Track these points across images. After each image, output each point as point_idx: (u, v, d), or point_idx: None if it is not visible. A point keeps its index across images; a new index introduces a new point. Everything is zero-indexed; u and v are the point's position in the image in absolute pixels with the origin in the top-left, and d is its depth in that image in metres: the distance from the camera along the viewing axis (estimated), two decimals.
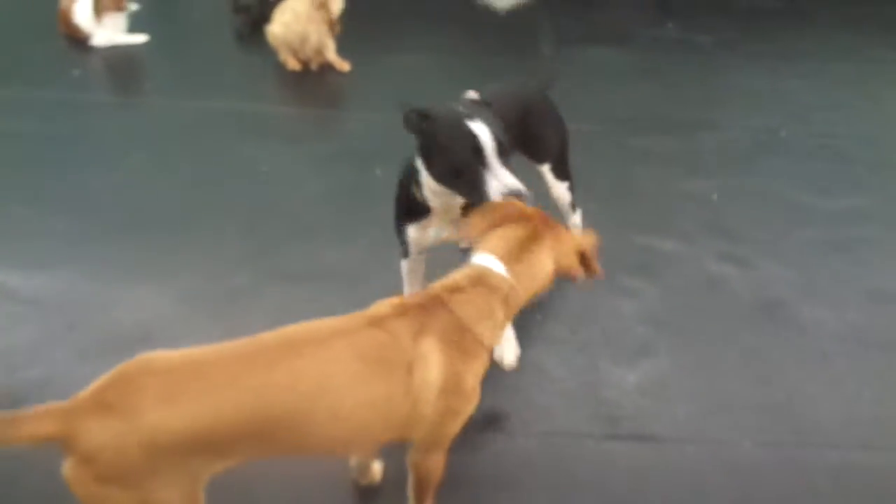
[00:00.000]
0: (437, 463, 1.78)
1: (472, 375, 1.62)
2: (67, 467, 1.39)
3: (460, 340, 1.58)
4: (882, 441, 2.36)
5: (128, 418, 1.36)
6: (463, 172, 1.83)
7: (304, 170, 3.58)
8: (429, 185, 1.96)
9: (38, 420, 1.37)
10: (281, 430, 1.47)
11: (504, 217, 1.72)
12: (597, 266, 1.79)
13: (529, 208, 1.75)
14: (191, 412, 1.39)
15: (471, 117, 1.83)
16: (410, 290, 2.45)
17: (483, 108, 1.93)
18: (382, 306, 1.61)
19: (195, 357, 1.47)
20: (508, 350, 2.51)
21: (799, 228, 3.27)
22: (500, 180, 1.80)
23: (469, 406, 1.66)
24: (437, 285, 1.66)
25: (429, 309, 1.58)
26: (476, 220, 1.75)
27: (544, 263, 1.69)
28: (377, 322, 1.55)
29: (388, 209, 3.35)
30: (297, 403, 1.46)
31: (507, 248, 1.66)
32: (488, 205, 1.78)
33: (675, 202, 3.42)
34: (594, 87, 4.37)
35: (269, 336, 1.52)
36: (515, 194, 1.78)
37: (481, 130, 1.80)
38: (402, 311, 1.58)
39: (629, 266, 3.01)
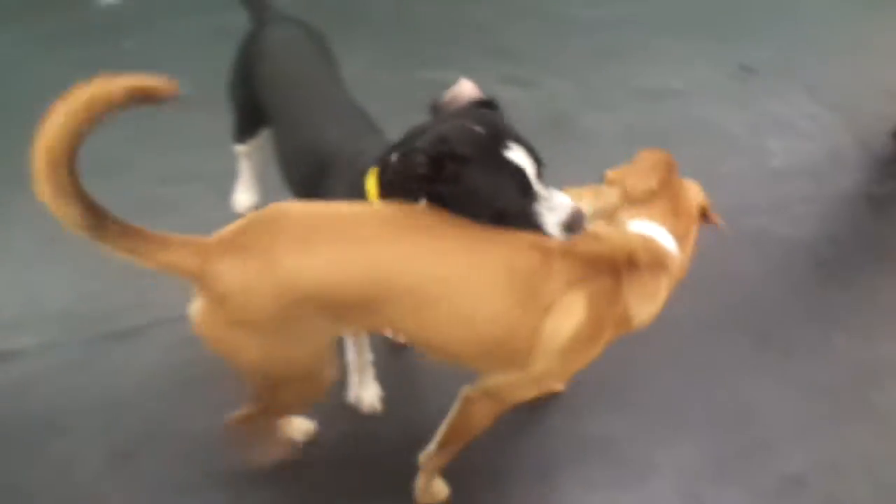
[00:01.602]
0: (489, 412, 1.63)
1: (598, 348, 1.49)
2: (197, 308, 1.35)
3: (609, 312, 1.44)
4: None
5: (263, 261, 1.31)
6: (509, 215, 1.43)
7: (33, 52, 3.05)
8: None
9: (181, 251, 1.31)
10: (402, 310, 1.39)
11: (663, 178, 1.50)
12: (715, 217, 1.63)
13: (669, 160, 1.53)
14: (324, 264, 1.33)
15: (503, 141, 1.39)
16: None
17: (499, 115, 1.48)
18: (555, 239, 1.44)
19: (333, 211, 1.40)
20: (368, 392, 2.06)
21: (573, 40, 3.37)
22: (557, 211, 1.43)
23: (571, 370, 1.56)
24: (618, 245, 1.44)
25: (599, 269, 1.42)
26: (635, 176, 1.52)
27: (695, 235, 1.56)
28: (543, 250, 1.41)
29: None
30: (428, 291, 1.37)
31: (676, 222, 1.50)
32: (641, 156, 1.55)
33: (456, 32, 3.36)
34: None
35: (421, 210, 1.42)
36: (578, 220, 1.42)
37: (521, 159, 1.40)
38: (572, 253, 1.42)
39: (417, 103, 2.89)
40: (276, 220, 1.36)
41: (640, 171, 1.52)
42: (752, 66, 3.23)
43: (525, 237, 1.43)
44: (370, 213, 1.42)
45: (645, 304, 1.48)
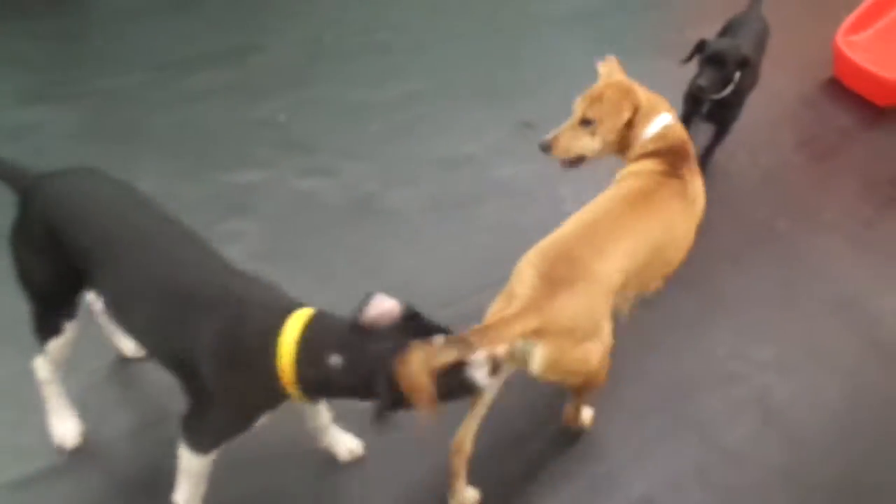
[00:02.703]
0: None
1: None
2: (544, 352, 1.66)
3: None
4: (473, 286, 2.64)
5: (584, 282, 1.70)
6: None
7: None
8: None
9: (520, 320, 1.59)
10: (658, 262, 1.99)
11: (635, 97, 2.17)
12: None
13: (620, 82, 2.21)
14: (619, 258, 1.82)
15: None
16: None
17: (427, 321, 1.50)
18: (658, 162, 2.09)
19: (587, 223, 1.89)
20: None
21: (365, 124, 3.46)
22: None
23: None
24: (678, 139, 2.16)
25: (688, 158, 2.13)
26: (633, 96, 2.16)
27: None
28: (677, 174, 2.07)
29: None
30: (670, 240, 2.01)
31: (664, 103, 2.23)
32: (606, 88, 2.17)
33: (247, 132, 3.34)
34: (132, 34, 3.96)
35: (629, 197, 2.00)
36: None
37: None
38: (682, 159, 2.11)
39: (222, 209, 2.90)
40: (559, 253, 1.76)
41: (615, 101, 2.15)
42: (532, 122, 3.49)
43: (665, 174, 2.06)
44: (612, 212, 1.93)
45: None
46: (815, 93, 4.23)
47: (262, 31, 4.13)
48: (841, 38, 4.19)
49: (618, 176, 2.15)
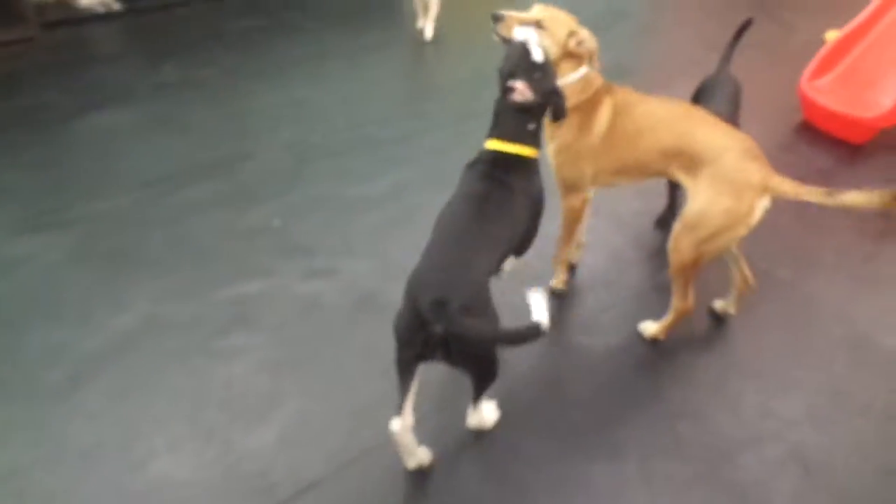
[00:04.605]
0: None
1: None
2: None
3: None
4: None
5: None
6: None
7: None
8: None
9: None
10: None
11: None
12: None
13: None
14: None
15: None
16: None
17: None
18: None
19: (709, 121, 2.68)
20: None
21: (360, 219, 3.47)
22: None
23: None
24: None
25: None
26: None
27: None
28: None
29: None
30: None
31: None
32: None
33: (242, 242, 3.33)
34: (115, 155, 4.00)
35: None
36: None
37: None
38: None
39: (222, 325, 2.85)
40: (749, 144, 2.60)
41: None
42: None
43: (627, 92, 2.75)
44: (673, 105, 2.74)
45: None
46: (790, 138, 4.33)
47: (247, 139, 4.19)
48: (806, 84, 4.33)
49: (604, 119, 2.62)
